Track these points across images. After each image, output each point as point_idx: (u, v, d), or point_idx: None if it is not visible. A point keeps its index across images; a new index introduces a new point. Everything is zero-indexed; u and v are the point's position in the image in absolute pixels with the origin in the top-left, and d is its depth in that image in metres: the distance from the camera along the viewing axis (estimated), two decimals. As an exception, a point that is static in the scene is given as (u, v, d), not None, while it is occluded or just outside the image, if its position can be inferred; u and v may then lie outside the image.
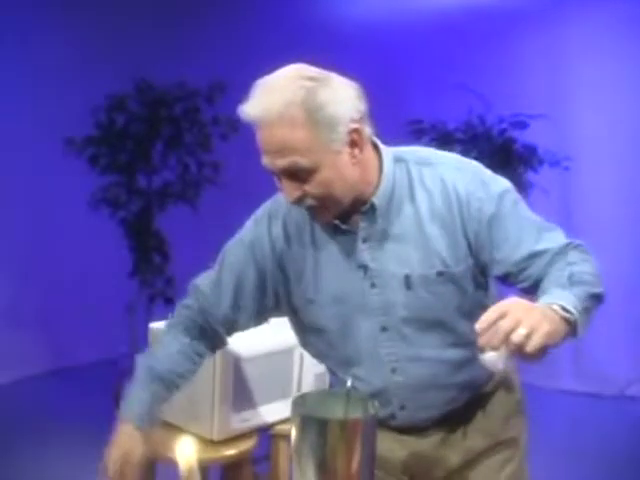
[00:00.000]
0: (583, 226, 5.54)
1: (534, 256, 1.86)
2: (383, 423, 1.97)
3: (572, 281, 1.78)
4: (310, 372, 2.77)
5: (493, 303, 1.71)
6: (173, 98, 4.99)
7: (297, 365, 2.74)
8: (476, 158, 4.90)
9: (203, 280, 2.11)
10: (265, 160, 1.82)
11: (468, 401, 2.04)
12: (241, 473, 2.74)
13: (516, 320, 1.54)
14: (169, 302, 4.92)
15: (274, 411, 2.71)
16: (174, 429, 2.59)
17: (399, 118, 5.18)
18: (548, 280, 1.81)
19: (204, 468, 2.71)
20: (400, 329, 1.94)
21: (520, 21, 5.78)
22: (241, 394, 2.63)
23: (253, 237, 2.07)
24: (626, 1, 5.50)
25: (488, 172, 1.96)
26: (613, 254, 5.57)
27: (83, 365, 5.94)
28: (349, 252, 1.95)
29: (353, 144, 1.84)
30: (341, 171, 1.84)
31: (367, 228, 1.92)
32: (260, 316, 2.11)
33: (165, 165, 5.05)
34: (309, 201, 1.84)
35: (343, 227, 1.93)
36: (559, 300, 1.66)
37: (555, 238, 1.88)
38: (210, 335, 2.10)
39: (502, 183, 1.94)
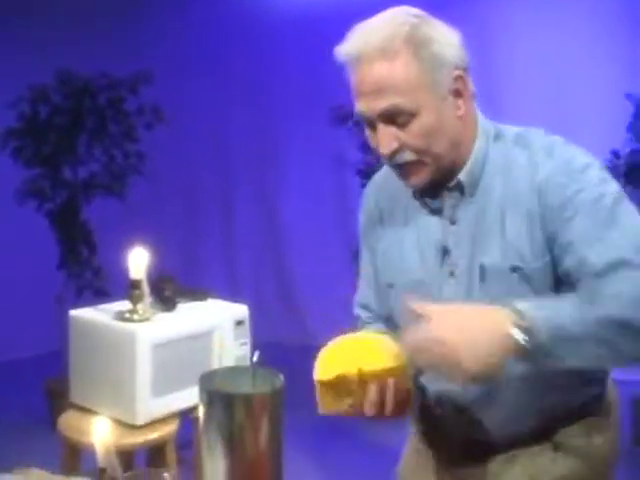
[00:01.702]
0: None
1: (575, 246, 1.60)
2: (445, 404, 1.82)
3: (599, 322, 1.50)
4: (230, 354, 2.79)
5: None
6: (97, 88, 4.95)
7: (217, 348, 2.75)
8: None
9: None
10: (360, 105, 1.65)
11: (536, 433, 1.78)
12: (165, 457, 2.76)
13: (439, 353, 1.45)
14: (98, 293, 4.90)
15: (196, 395, 2.72)
16: (94, 414, 2.60)
17: (327, 104, 5.22)
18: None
19: (129, 453, 2.73)
20: None
21: (444, 8, 5.84)
22: (161, 378, 2.64)
23: (362, 215, 1.98)
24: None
25: (582, 159, 1.68)
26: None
27: (13, 360, 5.89)
28: (434, 233, 1.78)
29: (458, 93, 1.67)
30: (443, 119, 1.66)
31: (454, 207, 1.75)
32: None
33: (90, 156, 5.01)
34: (406, 155, 1.66)
35: (432, 206, 1.77)
36: (537, 316, 1.47)
37: (618, 245, 1.55)
38: None
39: (593, 173, 1.65)
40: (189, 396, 2.71)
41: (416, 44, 1.62)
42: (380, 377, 1.61)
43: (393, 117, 1.63)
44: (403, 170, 1.70)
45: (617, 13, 5.57)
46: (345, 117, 4.98)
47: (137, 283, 2.61)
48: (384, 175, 1.92)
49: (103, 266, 4.95)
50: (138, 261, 2.62)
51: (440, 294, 1.76)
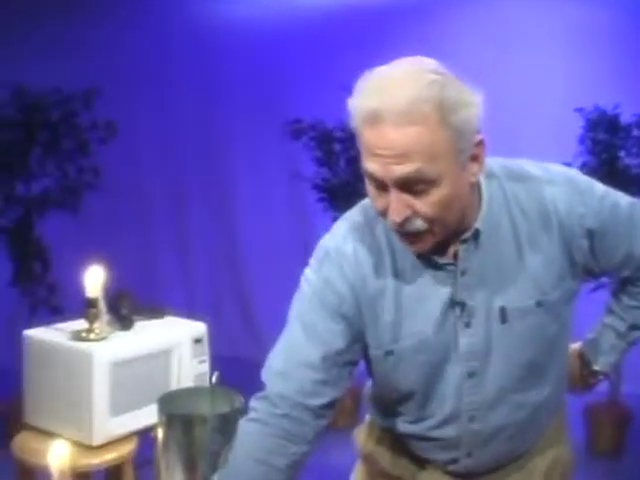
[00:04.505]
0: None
1: (630, 259, 1.81)
2: (439, 466, 1.86)
3: (631, 328, 1.97)
4: (189, 373, 2.77)
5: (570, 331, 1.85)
6: (49, 103, 4.90)
7: (175, 366, 2.74)
8: (355, 156, 4.99)
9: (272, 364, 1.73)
10: (374, 166, 1.52)
11: (527, 451, 1.88)
12: (123, 477, 2.73)
13: None
14: (53, 310, 4.85)
15: (154, 413, 2.71)
16: (51, 435, 2.57)
17: (279, 118, 5.23)
18: (616, 306, 1.98)
19: (86, 474, 2.70)
20: (488, 373, 1.72)
21: (400, 19, 5.88)
22: (119, 398, 2.62)
23: (325, 280, 1.71)
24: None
25: (580, 177, 1.76)
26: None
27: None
28: (442, 288, 1.67)
29: (475, 158, 1.56)
30: (460, 190, 1.56)
31: (467, 259, 1.66)
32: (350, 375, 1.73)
33: (44, 171, 4.96)
34: (418, 223, 1.54)
35: (440, 261, 1.66)
36: (599, 365, 2.01)
37: None
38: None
39: (597, 188, 1.75)
40: (148, 415, 2.68)
41: (445, 109, 1.48)
42: None
43: (410, 185, 1.51)
44: (408, 239, 1.60)
45: (565, 29, 5.65)
46: (300, 131, 4.99)
47: (93, 302, 2.60)
48: (353, 241, 1.72)
49: (58, 283, 4.89)
50: (94, 279, 2.60)
51: (456, 347, 1.69)
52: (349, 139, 4.84)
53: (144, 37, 6.36)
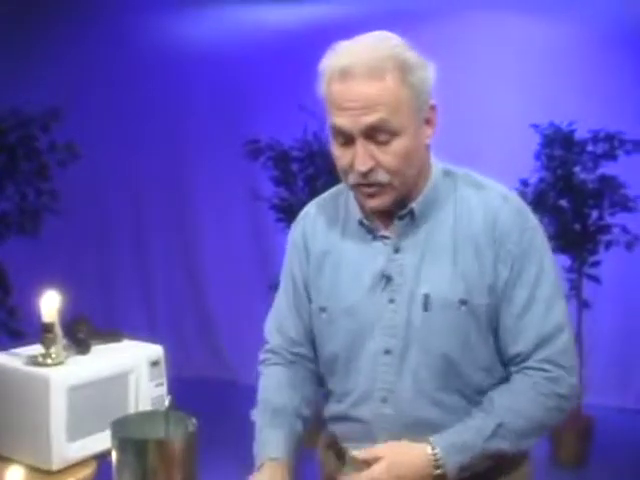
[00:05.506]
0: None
1: (527, 316, 1.75)
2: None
3: (496, 433, 1.72)
4: (146, 396, 2.76)
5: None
6: (7, 126, 4.90)
7: (133, 390, 2.73)
8: (313, 175, 5.00)
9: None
10: (342, 120, 1.70)
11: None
12: (82, 501, 2.71)
13: None
14: (13, 335, 4.82)
15: (113, 437, 2.70)
16: (9, 462, 2.55)
17: (238, 138, 5.25)
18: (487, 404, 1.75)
19: (44, 500, 2.68)
20: (404, 355, 1.78)
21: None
22: (77, 422, 2.60)
23: (292, 239, 2.02)
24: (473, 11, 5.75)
25: (530, 215, 1.85)
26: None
27: None
28: (376, 259, 1.82)
29: (429, 122, 1.77)
30: (418, 145, 1.75)
31: (402, 236, 1.81)
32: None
33: (2, 195, 4.95)
34: (380, 175, 1.71)
35: (381, 233, 1.83)
36: (450, 460, 1.68)
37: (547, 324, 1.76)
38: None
39: (540, 234, 1.83)
40: (106, 439, 2.64)
41: (405, 68, 1.70)
42: None
43: (375, 134, 1.69)
44: (370, 191, 1.75)
45: (521, 46, 5.72)
46: (257, 151, 5.02)
47: (49, 326, 2.58)
48: (317, 205, 2.01)
49: (18, 307, 4.87)
50: (50, 304, 2.59)
51: (379, 320, 1.80)
52: (306, 158, 4.87)
53: (105, 58, 6.36)
